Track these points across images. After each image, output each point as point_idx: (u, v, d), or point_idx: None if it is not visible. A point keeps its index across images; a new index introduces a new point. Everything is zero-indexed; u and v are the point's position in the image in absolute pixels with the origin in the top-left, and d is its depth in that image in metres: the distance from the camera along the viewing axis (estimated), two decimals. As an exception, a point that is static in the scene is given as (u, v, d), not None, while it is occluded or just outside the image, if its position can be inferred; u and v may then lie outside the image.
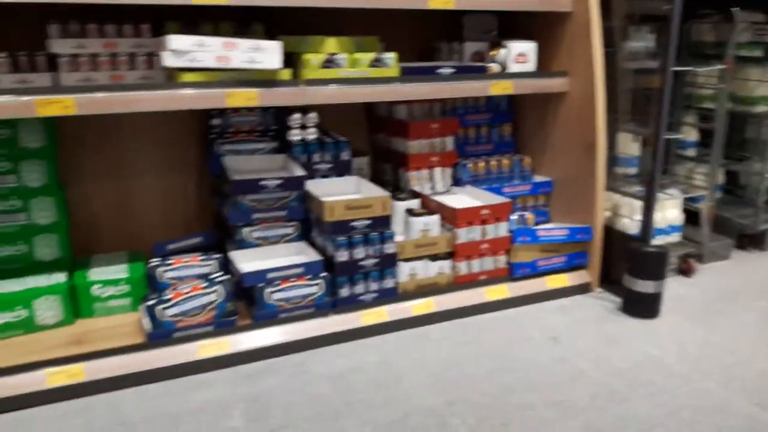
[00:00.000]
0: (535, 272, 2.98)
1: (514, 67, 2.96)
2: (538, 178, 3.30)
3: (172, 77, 2.41)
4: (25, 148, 2.50)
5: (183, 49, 2.27)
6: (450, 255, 2.84)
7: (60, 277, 2.52)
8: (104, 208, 2.93)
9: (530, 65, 3.00)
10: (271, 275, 2.52)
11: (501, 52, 2.98)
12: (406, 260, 2.75)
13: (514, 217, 2.98)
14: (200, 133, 3.02)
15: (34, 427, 2.05)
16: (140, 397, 2.23)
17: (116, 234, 2.96)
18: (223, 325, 2.47)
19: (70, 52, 2.38)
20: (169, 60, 2.26)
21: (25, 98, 2.10)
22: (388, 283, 2.71)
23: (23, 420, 2.08)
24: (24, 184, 2.52)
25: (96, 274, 2.60)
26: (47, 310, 2.44)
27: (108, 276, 2.59)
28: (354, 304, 2.66)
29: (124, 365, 2.28)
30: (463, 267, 2.86)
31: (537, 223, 3.18)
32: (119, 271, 2.64)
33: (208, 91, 2.32)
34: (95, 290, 2.56)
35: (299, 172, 2.73)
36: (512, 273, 2.94)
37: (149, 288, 2.61)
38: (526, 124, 3.37)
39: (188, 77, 2.32)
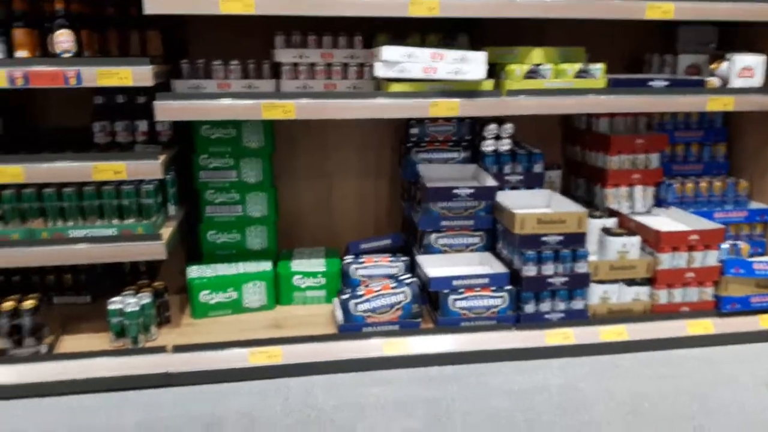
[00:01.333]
0: (747, 309, 2.66)
1: (737, 82, 2.68)
2: (756, 205, 2.95)
3: (380, 87, 2.53)
4: (247, 147, 2.78)
5: (394, 59, 2.38)
6: (649, 281, 2.64)
7: (266, 266, 2.76)
8: (308, 205, 3.17)
9: (756, 80, 2.69)
10: (456, 282, 2.54)
11: (723, 66, 2.71)
12: (599, 282, 2.61)
13: (725, 245, 2.70)
14: (396, 140, 3.13)
15: (237, 400, 2.26)
16: (330, 385, 2.36)
17: (316, 230, 3.18)
18: (407, 326, 2.54)
19: (291, 61, 2.60)
20: (380, 70, 2.37)
21: (253, 102, 2.33)
22: (577, 304, 2.59)
23: (226, 392, 2.31)
24: (243, 180, 2.81)
25: (297, 265, 2.81)
26: (254, 294, 2.69)
27: (308, 268, 2.79)
28: (538, 321, 2.58)
29: (317, 353, 2.43)
30: (663, 295, 2.64)
31: (752, 255, 2.84)
32: (317, 264, 2.83)
33: (413, 100, 2.40)
34: (296, 280, 2.77)
35: (491, 182, 2.72)
36: (719, 307, 2.66)
37: (342, 283, 2.77)
38: (744, 145, 3.04)
39: (396, 87, 2.42)
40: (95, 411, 2.16)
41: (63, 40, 2.18)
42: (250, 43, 2.77)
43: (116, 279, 2.81)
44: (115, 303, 2.32)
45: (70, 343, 2.39)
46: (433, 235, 2.75)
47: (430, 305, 2.67)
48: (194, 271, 2.67)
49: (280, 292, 2.77)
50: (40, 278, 2.68)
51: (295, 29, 2.64)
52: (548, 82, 2.53)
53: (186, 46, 2.82)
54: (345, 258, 2.81)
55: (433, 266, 2.68)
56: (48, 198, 2.32)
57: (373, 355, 2.45)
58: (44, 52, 2.25)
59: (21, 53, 2.20)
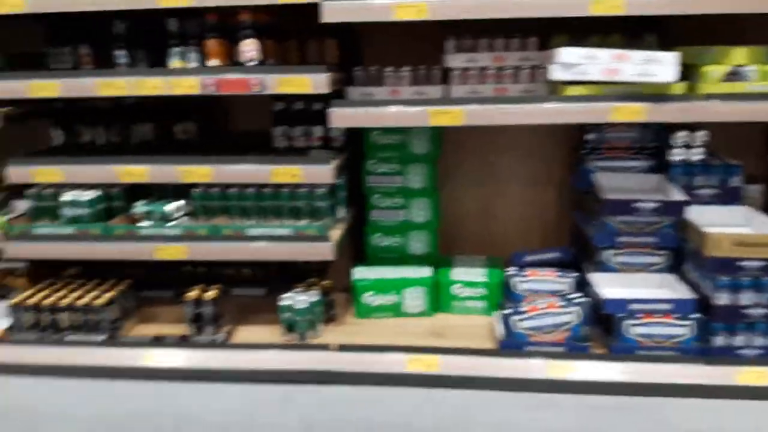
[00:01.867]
0: None
1: None
2: None
3: (554, 90, 2.39)
4: (413, 153, 2.77)
5: (572, 62, 2.22)
6: None
7: (427, 272, 2.74)
8: (470, 212, 3.09)
9: None
10: (634, 306, 2.31)
11: None
12: (811, 318, 2.23)
13: None
14: (568, 146, 2.95)
15: (393, 407, 2.26)
16: (486, 402, 2.27)
17: (477, 237, 3.10)
18: (575, 348, 2.36)
19: (461, 65, 2.54)
20: (557, 73, 2.23)
21: (420, 109, 2.31)
22: (781, 340, 2.25)
23: (383, 397, 2.31)
24: (407, 185, 2.81)
25: (458, 274, 2.75)
26: (414, 299, 2.68)
27: (468, 278, 2.72)
28: (730, 356, 2.27)
29: (475, 367, 2.35)
30: None
31: None
32: (478, 274, 2.74)
33: (592, 105, 2.23)
34: (455, 289, 2.71)
35: (679, 196, 2.44)
36: None
37: (504, 296, 2.66)
38: None
39: (574, 90, 2.26)
40: (263, 402, 2.28)
41: (248, 49, 2.33)
42: (422, 48, 2.75)
43: (289, 275, 2.96)
44: (286, 299, 2.43)
45: (244, 333, 2.56)
46: (609, 252, 2.54)
47: (602, 329, 2.47)
48: (359, 273, 2.72)
49: (439, 299, 2.73)
50: (223, 271, 2.90)
51: (466, 32, 2.58)
52: (752, 85, 2.21)
53: (360, 52, 2.89)
54: (507, 269, 2.69)
55: (608, 286, 2.47)
56: (232, 197, 2.49)
57: (535, 376, 2.31)
58: (233, 61, 2.42)
59: (213, 62, 2.38)
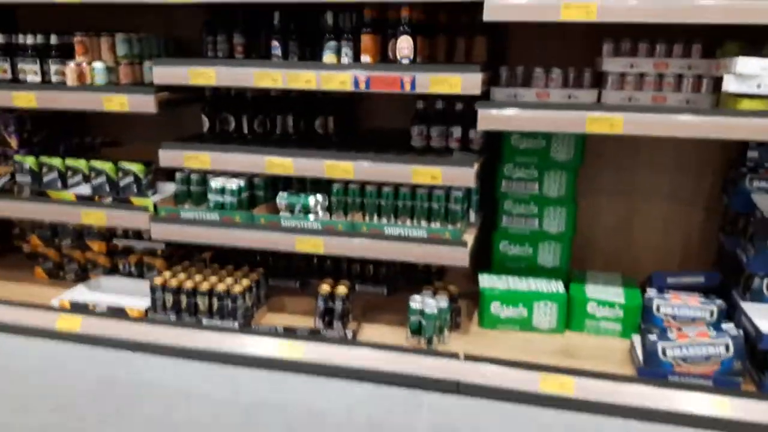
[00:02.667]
0: None
1: None
2: None
3: (722, 103, 2.20)
4: (554, 160, 2.65)
5: (751, 72, 2.04)
6: None
7: (559, 286, 2.62)
8: (606, 225, 2.93)
9: None
10: (800, 345, 2.10)
11: None
12: None
13: None
14: (723, 162, 2.73)
15: (525, 427, 2.16)
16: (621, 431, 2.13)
17: (612, 253, 2.93)
18: (724, 383, 2.18)
19: (619, 70, 2.39)
20: (732, 84, 2.05)
21: (576, 114, 2.20)
22: None
23: (514, 415, 2.22)
24: (543, 193, 2.69)
25: (593, 291, 2.61)
26: (544, 314, 2.57)
27: (604, 296, 2.57)
28: None
29: (612, 393, 2.21)
30: None
31: None
32: (615, 294, 2.59)
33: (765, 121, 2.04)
34: (590, 308, 2.57)
35: None
36: None
37: (642, 319, 2.50)
38: None
39: (749, 104, 2.07)
40: (391, 406, 2.25)
41: (404, 46, 2.30)
42: (570, 50, 2.64)
43: (410, 276, 2.93)
44: (416, 302, 2.39)
45: (369, 331, 2.54)
46: (766, 281, 2.32)
47: (754, 365, 2.26)
48: (486, 281, 2.64)
49: (571, 316, 2.60)
50: (347, 266, 2.90)
51: (625, 36, 2.43)
52: None
53: (505, 51, 2.79)
54: (647, 291, 2.52)
55: (764, 318, 2.26)
56: (369, 194, 2.48)
57: (679, 409, 2.15)
58: (383, 57, 2.40)
59: (365, 58, 2.37)
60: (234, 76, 2.41)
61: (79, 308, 2.64)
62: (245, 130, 2.80)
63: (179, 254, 2.93)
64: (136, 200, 2.61)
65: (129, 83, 2.71)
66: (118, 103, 2.55)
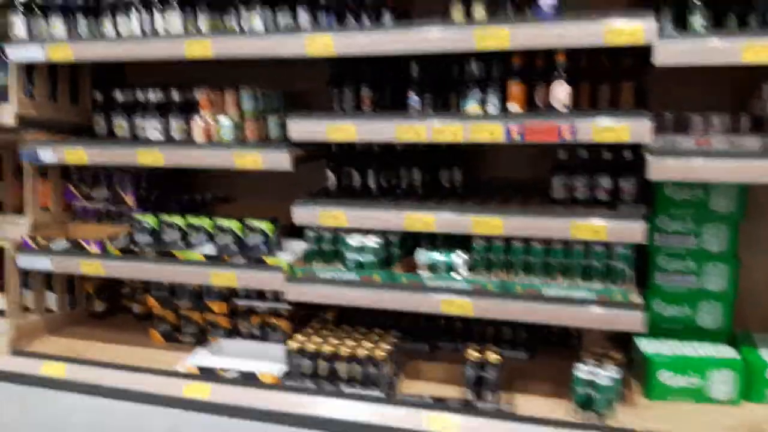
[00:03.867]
0: None
1: None
2: None
3: None
4: (713, 212, 2.42)
5: None
6: None
7: (730, 351, 2.35)
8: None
9: None
10: None
11: None
12: None
13: None
14: None
15: None
16: None
17: (776, 313, 2.65)
18: None
19: (795, 113, 2.19)
20: None
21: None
22: None
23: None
24: (702, 248, 2.46)
25: (769, 355, 2.34)
26: (721, 383, 2.30)
27: (787, 363, 2.29)
28: None
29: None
30: None
31: None
32: (798, 359, 2.31)
33: None
34: (771, 375, 2.29)
35: None
36: None
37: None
38: None
39: None
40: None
41: (560, 93, 2.15)
42: (712, 94, 2.46)
43: (552, 339, 2.72)
44: (583, 372, 2.16)
45: (523, 403, 2.30)
46: None
47: None
48: (648, 346, 2.40)
49: (749, 385, 2.32)
50: (480, 328, 2.71)
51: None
52: None
53: (645, 97, 2.62)
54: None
55: None
56: (516, 252, 2.30)
57: None
58: (530, 106, 2.27)
59: (513, 107, 2.23)
60: (374, 130, 2.29)
61: (207, 374, 2.50)
62: (371, 185, 2.68)
63: (301, 315, 2.79)
64: (270, 260, 2.49)
65: (256, 139, 2.65)
66: (251, 160, 2.47)
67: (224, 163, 2.52)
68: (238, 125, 2.63)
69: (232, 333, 2.83)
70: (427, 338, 2.73)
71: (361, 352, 2.30)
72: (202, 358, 2.66)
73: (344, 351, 2.32)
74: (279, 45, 2.36)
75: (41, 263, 2.77)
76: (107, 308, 3.23)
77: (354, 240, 2.39)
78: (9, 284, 2.84)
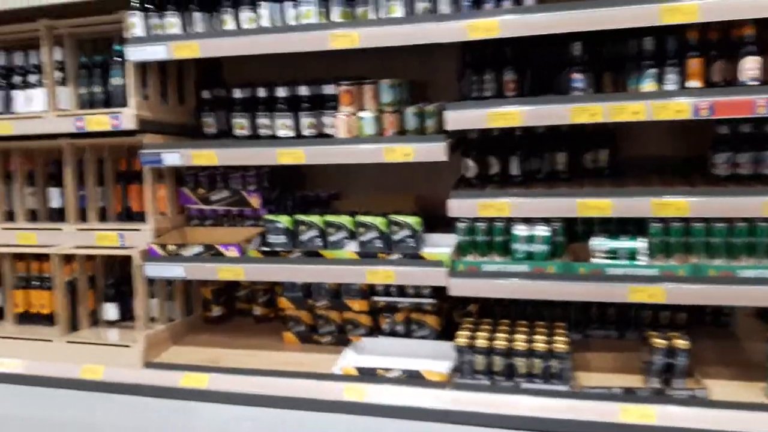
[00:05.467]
0: None
1: None
2: None
3: None
4: None
5: None
6: None
7: None
8: None
9: None
10: None
11: None
12: None
13: None
14: None
15: None
16: None
17: None
18: None
19: None
20: None
21: None
22: None
23: None
24: None
25: None
26: None
27: None
28: None
29: None
30: None
31: None
32: None
33: None
34: None
35: None
36: None
37: None
38: None
39: None
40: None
41: (750, 67, 2.06)
42: None
43: (705, 319, 2.66)
44: (785, 353, 2.10)
45: (711, 388, 2.22)
46: None
47: None
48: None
49: None
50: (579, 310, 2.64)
51: None
52: None
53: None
54: None
55: None
56: (696, 233, 2.22)
57: None
58: (708, 82, 2.18)
59: (693, 83, 2.14)
60: (544, 114, 2.20)
61: (366, 374, 2.42)
62: (513, 171, 2.59)
63: (445, 308, 2.71)
64: (428, 254, 2.40)
65: (394, 132, 2.54)
66: (401, 153, 2.37)
67: (371, 158, 2.42)
68: (377, 118, 2.53)
69: (373, 331, 2.75)
70: (581, 328, 2.66)
71: (541, 346, 2.23)
72: (354, 358, 2.58)
73: (520, 345, 2.24)
74: (435, 32, 2.26)
75: (173, 271, 2.67)
76: (224, 313, 3.15)
77: (521, 230, 2.30)
78: (138, 294, 2.75)
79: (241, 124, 2.80)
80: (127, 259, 2.96)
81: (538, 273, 2.26)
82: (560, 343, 2.24)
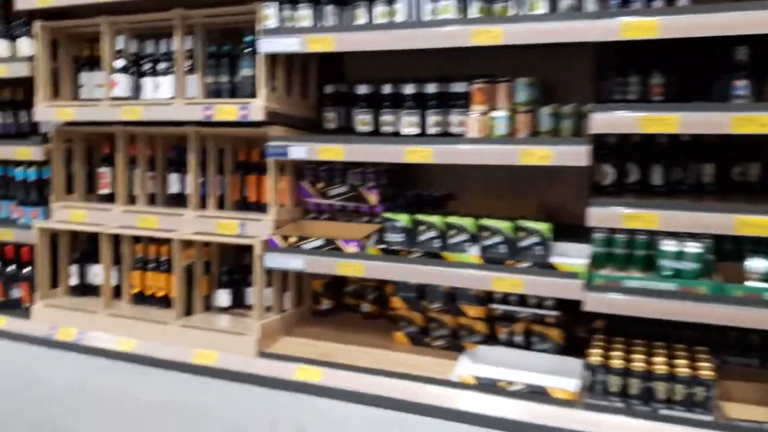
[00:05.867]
0: None
1: None
2: None
3: None
4: None
5: None
6: None
7: None
8: None
9: None
10: None
11: None
12: None
13: None
14: None
15: None
16: None
17: None
18: None
19: None
20: None
21: None
22: None
23: None
24: None
25: None
26: None
27: None
28: None
29: None
30: None
31: None
32: None
33: None
34: None
35: None
36: None
37: None
38: None
39: None
40: None
41: None
42: None
43: None
44: None
45: None
46: None
47: None
48: None
49: None
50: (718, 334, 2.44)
51: None
52: None
53: None
54: None
55: None
56: None
57: None
58: None
59: None
60: (702, 122, 2.04)
61: (485, 385, 2.34)
62: (656, 181, 2.43)
63: (565, 322, 2.58)
64: (561, 265, 2.29)
65: (527, 133, 2.44)
66: (539, 156, 2.26)
67: (504, 160, 2.32)
68: (510, 118, 2.43)
69: (489, 339, 2.66)
70: (719, 353, 2.47)
71: (684, 371, 2.07)
72: (471, 367, 2.49)
73: (660, 368, 2.10)
74: (585, 30, 2.14)
75: (293, 263, 2.66)
76: (332, 306, 3.13)
77: (669, 245, 2.15)
78: (256, 283, 2.76)
79: (364, 120, 2.76)
80: (241, 248, 3.00)
81: (686, 293, 2.10)
82: (705, 369, 2.08)
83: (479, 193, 3.01)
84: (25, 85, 3.34)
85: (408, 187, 3.06)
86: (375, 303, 3.05)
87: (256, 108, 2.63)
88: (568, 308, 2.51)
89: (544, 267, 2.31)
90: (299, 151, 2.63)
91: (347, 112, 2.88)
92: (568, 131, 2.47)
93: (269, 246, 2.71)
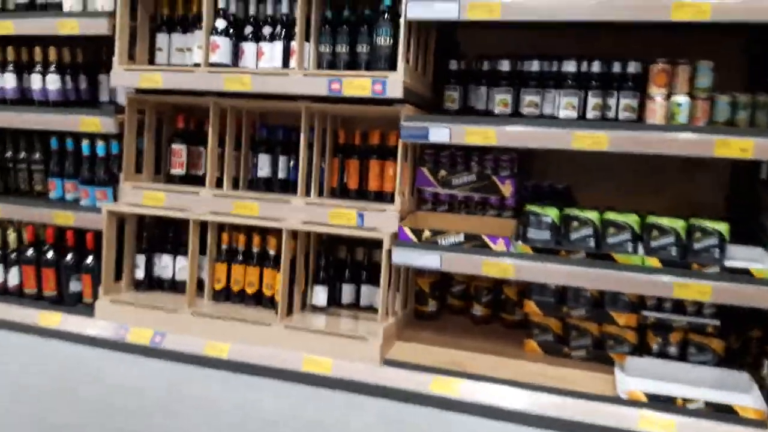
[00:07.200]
0: None
1: None
2: None
3: None
4: None
5: None
6: None
7: None
8: None
9: None
10: None
11: None
12: None
13: None
14: None
15: None
16: None
17: None
18: None
19: None
20: None
21: None
22: None
23: None
24: None
25: None
26: None
27: None
28: None
29: None
30: None
31: None
32: None
33: None
34: None
35: None
36: None
37: None
38: None
39: None
40: None
41: None
42: None
43: None
44: None
45: None
46: None
47: None
48: None
49: None
50: None
51: None
52: None
53: None
54: None
55: None
56: None
57: None
58: None
59: None
60: None
61: (660, 402, 2.10)
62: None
63: (721, 330, 2.37)
64: (759, 272, 2.06)
65: (704, 123, 2.21)
66: (738, 148, 2.03)
67: (695, 151, 2.08)
68: (692, 105, 2.19)
69: (636, 349, 2.42)
70: None
71: None
72: (632, 381, 2.25)
73: None
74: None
75: (427, 260, 2.35)
76: (438, 308, 2.84)
77: None
78: (383, 281, 2.43)
79: (504, 100, 2.48)
80: (335, 240, 2.69)
81: None
82: None
83: (597, 187, 2.77)
84: (85, 45, 2.93)
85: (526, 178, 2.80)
86: (488, 306, 2.78)
87: (394, 83, 2.30)
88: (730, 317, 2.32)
89: (738, 273, 2.09)
90: (441, 133, 2.32)
91: (474, 90, 2.59)
92: (744, 122, 2.26)
93: (398, 240, 2.40)
